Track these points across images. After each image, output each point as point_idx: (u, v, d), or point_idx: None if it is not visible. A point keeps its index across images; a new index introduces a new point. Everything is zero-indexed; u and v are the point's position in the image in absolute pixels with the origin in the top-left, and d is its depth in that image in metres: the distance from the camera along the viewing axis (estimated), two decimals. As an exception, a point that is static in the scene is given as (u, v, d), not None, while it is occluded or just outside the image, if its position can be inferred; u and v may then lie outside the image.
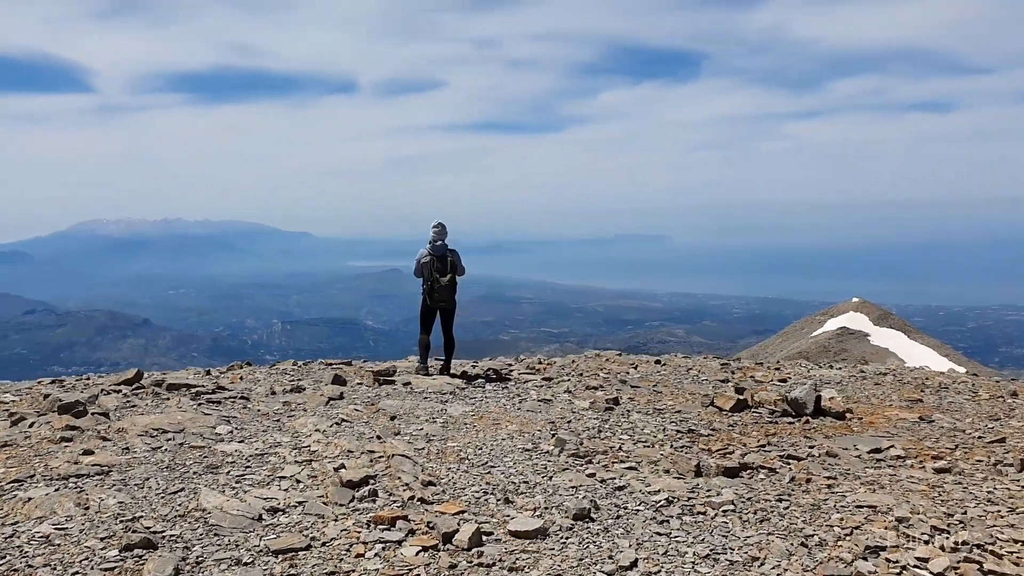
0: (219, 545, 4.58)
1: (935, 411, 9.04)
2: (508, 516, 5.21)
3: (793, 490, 6.08)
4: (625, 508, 5.48)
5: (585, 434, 7.57)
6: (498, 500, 5.54)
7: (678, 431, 7.85)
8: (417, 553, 4.55)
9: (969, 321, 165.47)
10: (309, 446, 6.70)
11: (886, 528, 5.24)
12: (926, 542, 5.04)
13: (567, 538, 4.91)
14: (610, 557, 4.63)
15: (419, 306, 10.88)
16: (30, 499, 5.16)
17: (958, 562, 4.63)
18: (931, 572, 4.56)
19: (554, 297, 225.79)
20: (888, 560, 4.70)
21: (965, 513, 5.56)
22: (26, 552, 4.40)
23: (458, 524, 4.93)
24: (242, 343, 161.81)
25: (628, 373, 11.49)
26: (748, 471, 6.57)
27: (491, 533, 4.93)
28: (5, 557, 4.34)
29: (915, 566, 4.64)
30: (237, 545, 4.59)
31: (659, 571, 4.48)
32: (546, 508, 5.40)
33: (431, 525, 4.93)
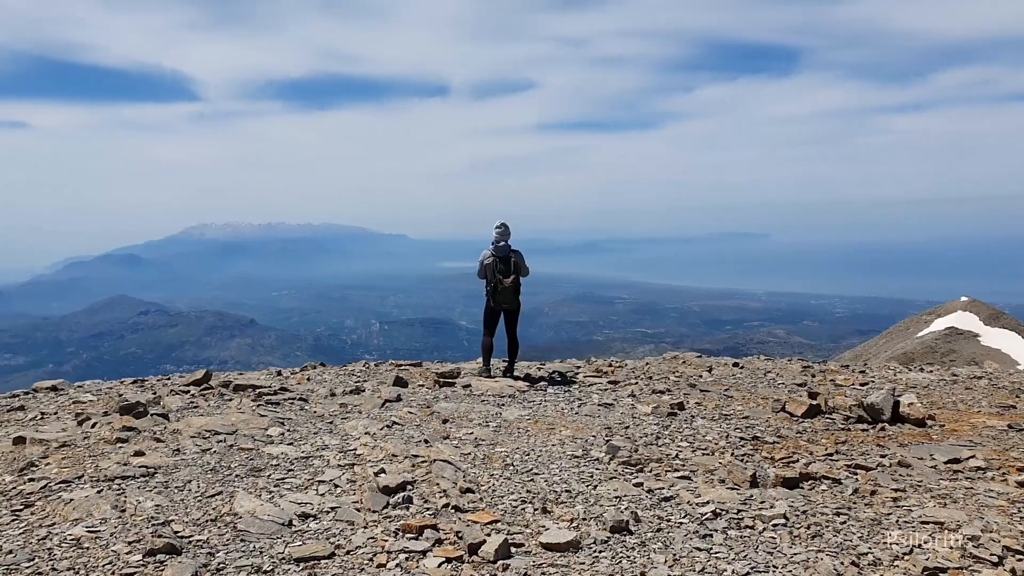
0: (243, 551, 4.55)
1: (1027, 419, 8.45)
2: (543, 527, 5.04)
3: (855, 503, 5.73)
4: (668, 521, 5.23)
5: (642, 441, 7.32)
6: (536, 509, 5.36)
7: (741, 438, 7.52)
8: (440, 565, 4.41)
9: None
10: (355, 449, 6.66)
11: (951, 548, 4.86)
12: (995, 564, 4.65)
13: (600, 552, 4.70)
14: (643, 574, 4.41)
15: (488, 308, 10.78)
16: (71, 500, 5.25)
17: (1026, 588, 4.25)
18: (992, 599, 4.20)
19: (649, 297, 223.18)
20: (946, 584, 4.35)
21: (1044, 533, 5.13)
22: (55, 555, 4.45)
23: (487, 535, 4.78)
24: (342, 343, 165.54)
25: (701, 376, 11.15)
26: (810, 481, 6.23)
27: (522, 545, 4.76)
28: (34, 560, 4.39)
29: (975, 592, 4.28)
30: (261, 552, 4.54)
31: (690, 590, 4.25)
32: (584, 519, 5.20)
33: (460, 535, 4.80)
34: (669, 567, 4.49)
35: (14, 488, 5.67)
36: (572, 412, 8.44)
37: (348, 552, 4.57)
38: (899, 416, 8.46)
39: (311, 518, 5.11)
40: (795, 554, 4.70)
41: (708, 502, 5.57)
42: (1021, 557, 4.74)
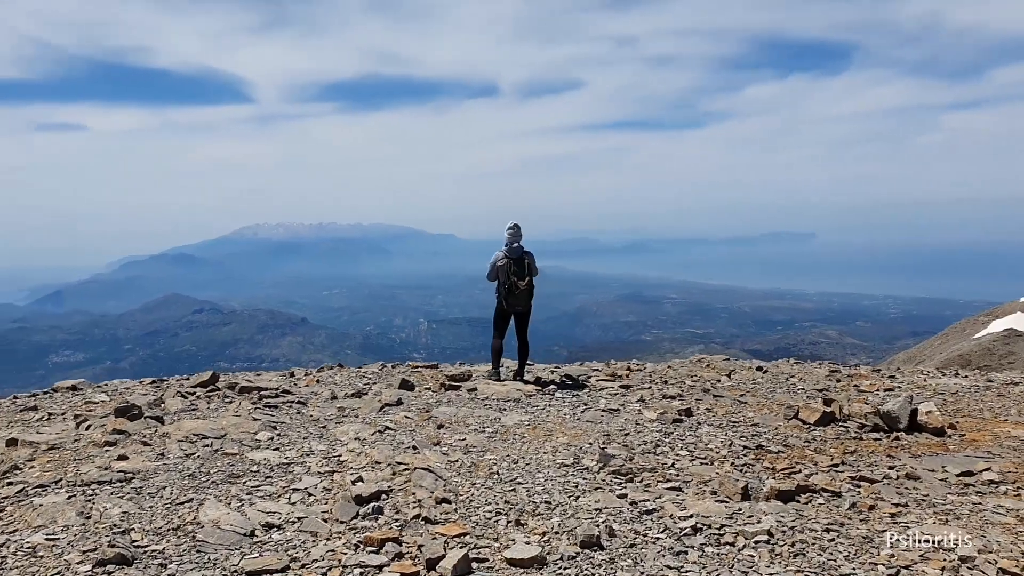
0: (197, 563, 4.44)
1: (1056, 429, 8.04)
2: (512, 540, 4.86)
3: (850, 519, 5.46)
4: (644, 536, 5.02)
5: (639, 449, 7.10)
6: (509, 522, 5.18)
7: (745, 447, 7.26)
8: (393, 580, 4.28)
9: None
10: (340, 456, 6.54)
11: (942, 569, 4.58)
12: (985, 588, 4.38)
13: (565, 568, 4.50)
14: (604, 593, 4.23)
15: (499, 310, 10.60)
16: (40, 506, 5.22)
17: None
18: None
19: (698, 297, 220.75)
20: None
21: (1049, 554, 4.82)
22: (7, 563, 4.39)
23: (448, 548, 4.63)
24: (391, 341, 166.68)
25: (719, 381, 10.86)
26: (807, 494, 5.97)
27: (485, 560, 4.59)
28: (-15, 567, 4.38)
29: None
30: (215, 564, 4.43)
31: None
32: (557, 533, 5.01)
33: (422, 548, 4.66)
34: (633, 586, 4.29)
35: (-9, 493, 5.67)
36: (574, 418, 8.24)
37: (303, 565, 4.44)
38: (916, 425, 8.12)
39: (275, 528, 5.00)
40: (772, 574, 4.47)
41: (692, 516, 5.34)
42: (1015, 580, 4.46)
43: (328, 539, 4.84)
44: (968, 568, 4.59)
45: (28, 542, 4.69)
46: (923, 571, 4.54)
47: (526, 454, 6.77)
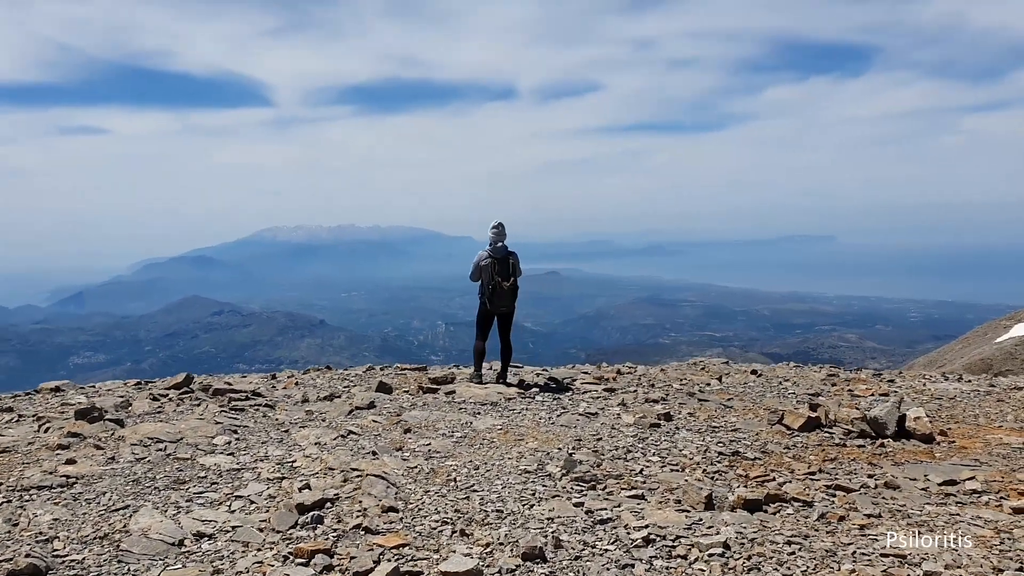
0: (114, 574, 4.25)
1: (1050, 436, 7.73)
2: (453, 551, 4.63)
3: (816, 530, 5.19)
4: (593, 547, 4.77)
5: (609, 455, 6.86)
6: (455, 532, 4.95)
7: (720, 453, 7.00)
8: (316, 595, 4.07)
9: None
10: (295, 461, 6.33)
11: (903, 586, 4.32)
12: (944, 607, 4.11)
13: (502, 583, 4.29)
14: (537, 610, 3.99)
15: (483, 311, 10.37)
16: (-31, 514, 5.07)
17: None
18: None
19: (717, 300, 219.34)
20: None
21: (1021, 569, 4.54)
22: (-83, 573, 4.27)
23: (379, 561, 4.41)
24: (409, 343, 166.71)
25: (709, 385, 10.58)
26: (776, 504, 5.70)
27: (419, 573, 4.35)
28: None
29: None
30: (133, 575, 4.27)
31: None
32: (501, 544, 4.77)
33: (354, 560, 4.43)
34: (569, 603, 4.06)
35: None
36: (548, 422, 8.00)
37: (225, 578, 4.25)
38: (905, 431, 7.83)
39: (206, 538, 4.79)
40: (721, 590, 4.23)
41: (647, 526, 5.09)
42: (982, 598, 4.19)
43: (259, 550, 4.63)
44: (931, 583, 4.32)
45: (-56, 551, 4.52)
46: (883, 588, 4.28)
47: (489, 460, 6.54)
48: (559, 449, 6.94)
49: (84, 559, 4.45)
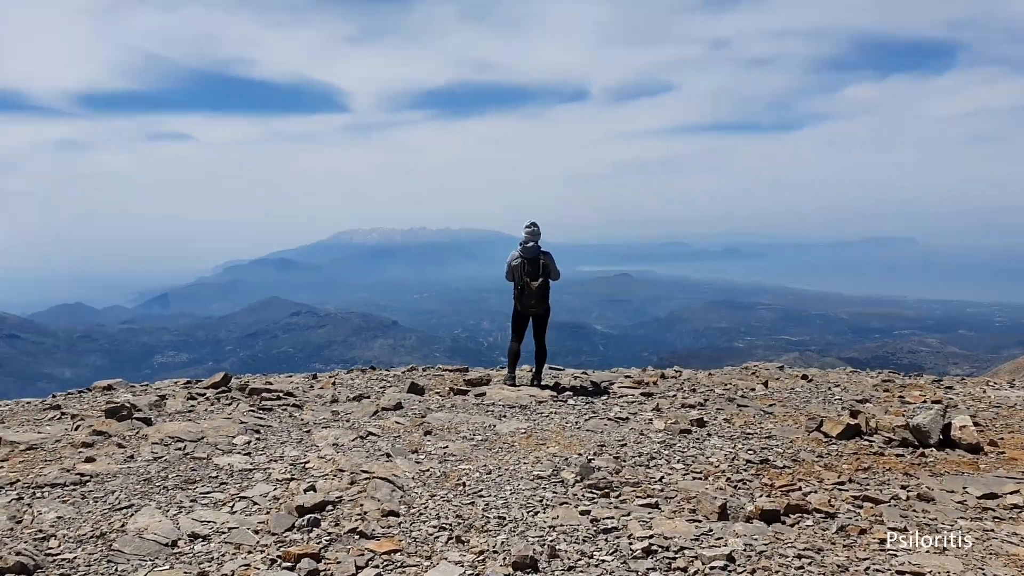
0: (102, 574, 4.25)
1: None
2: (444, 559, 4.53)
3: (833, 544, 4.95)
4: (590, 557, 4.61)
5: (631, 461, 6.68)
6: (450, 538, 4.83)
7: (748, 461, 6.75)
8: (292, 601, 4.02)
9: None
10: (308, 462, 6.31)
11: (913, 608, 4.07)
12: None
13: (486, 592, 4.18)
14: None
15: (515, 312, 10.28)
16: (-26, 510, 5.17)
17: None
18: None
19: (793, 303, 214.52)
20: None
21: (1050, 592, 4.24)
22: (-91, 568, 4.36)
23: (364, 567, 4.33)
24: (479, 344, 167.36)
25: (753, 390, 10.27)
26: (796, 515, 5.46)
27: (404, 580, 4.30)
28: None
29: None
30: (119, 575, 4.29)
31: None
32: (495, 551, 4.64)
33: (339, 566, 4.38)
34: (550, 615, 3.92)
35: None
36: (574, 426, 7.84)
37: (208, 581, 4.24)
38: (950, 440, 7.45)
39: (201, 539, 4.78)
40: (715, 606, 4.04)
41: (652, 536, 4.90)
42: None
43: (250, 552, 4.59)
44: (946, 607, 4.06)
45: (-58, 546, 4.61)
46: (890, 609, 4.04)
47: (505, 464, 6.43)
48: (579, 455, 6.78)
49: (75, 558, 4.49)
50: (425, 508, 5.38)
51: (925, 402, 9.66)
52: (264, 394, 8.92)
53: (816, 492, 5.96)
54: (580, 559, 4.60)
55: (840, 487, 6.13)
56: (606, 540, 4.89)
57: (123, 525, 4.94)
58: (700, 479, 6.30)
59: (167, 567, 4.39)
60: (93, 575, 4.29)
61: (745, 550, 4.74)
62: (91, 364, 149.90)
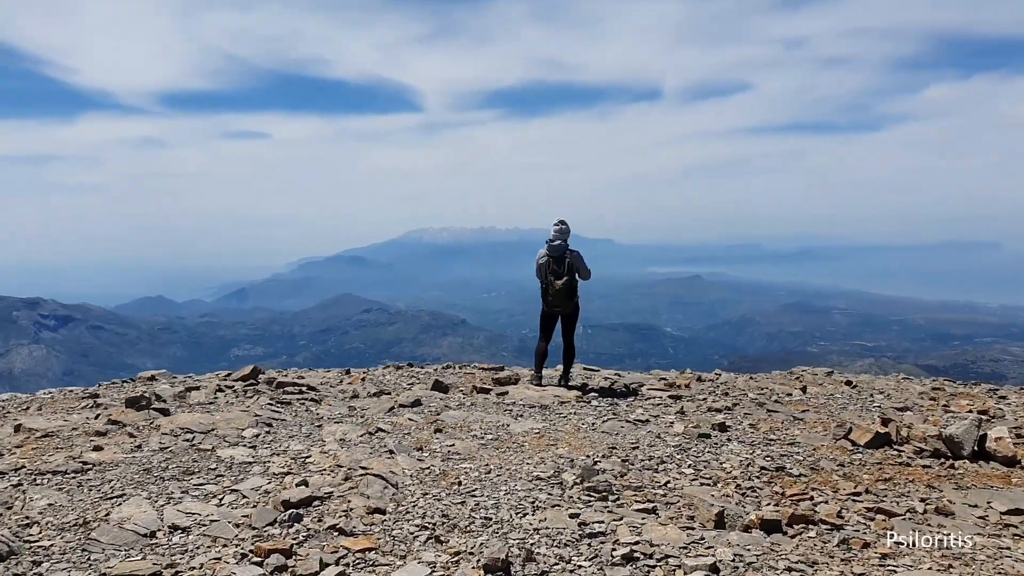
0: (73, 563, 4.25)
1: None
2: (417, 560, 4.45)
3: (831, 557, 4.73)
4: (568, 562, 4.47)
5: (640, 464, 6.50)
6: (429, 538, 4.74)
7: (763, 468, 6.51)
8: (252, 597, 3.98)
9: None
10: (309, 457, 6.29)
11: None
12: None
13: (450, 596, 4.08)
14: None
15: (542, 311, 10.16)
16: (-31, 495, 5.26)
17: None
18: None
19: (870, 308, 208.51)
20: None
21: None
22: None
23: (323, 565, 4.23)
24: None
25: (790, 395, 9.95)
26: (801, 525, 5.24)
27: (370, 579, 4.23)
28: None
29: None
30: (89, 565, 4.23)
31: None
32: (471, 553, 4.54)
33: (305, 561, 4.34)
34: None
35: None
36: (590, 428, 7.68)
37: (176, 573, 4.19)
38: (984, 452, 7.09)
39: (180, 531, 4.77)
40: (683, 617, 3.88)
41: (638, 543, 4.75)
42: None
43: (225, 546, 4.57)
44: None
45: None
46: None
47: (508, 464, 6.32)
48: (587, 456, 6.64)
49: (52, 545, 4.52)
50: (414, 506, 5.31)
51: (971, 412, 9.22)
52: (287, 388, 8.98)
53: (827, 503, 5.72)
54: (556, 563, 4.47)
55: (855, 498, 5.87)
56: (589, 545, 4.75)
57: (108, 514, 4.98)
58: (708, 485, 6.10)
59: (140, 557, 4.40)
60: (66, 563, 4.33)
61: (733, 560, 4.56)
62: (171, 355, 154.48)
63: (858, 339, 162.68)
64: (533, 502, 5.47)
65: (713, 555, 4.62)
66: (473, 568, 4.35)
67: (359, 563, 4.38)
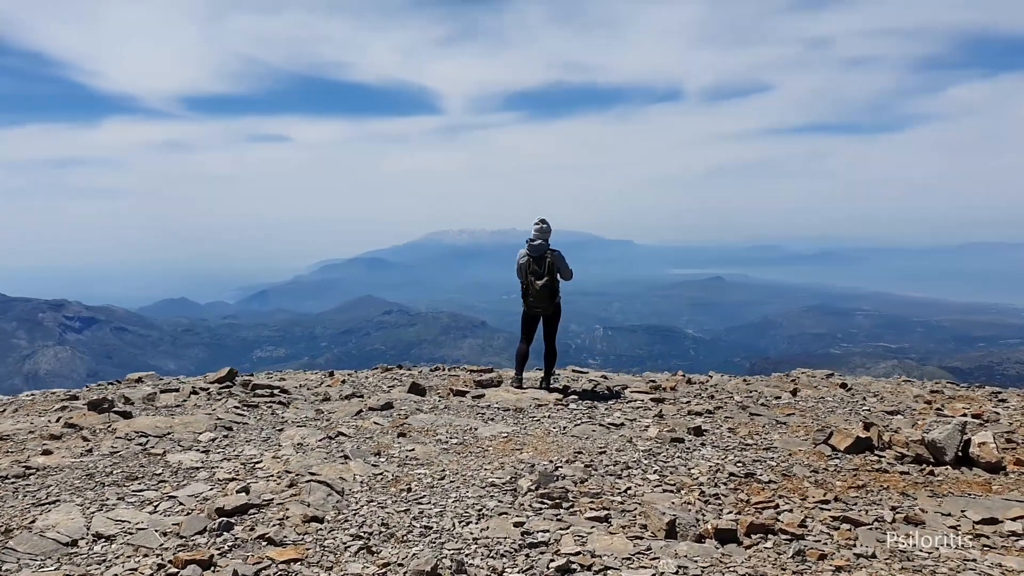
0: (-23, 574, 4.19)
1: None
2: (344, 571, 4.26)
3: (783, 569, 4.50)
4: (500, 574, 4.28)
5: (603, 470, 6.28)
6: (360, 549, 4.53)
7: (732, 475, 6.27)
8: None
9: None
10: (260, 462, 6.11)
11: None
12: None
13: (368, 610, 3.89)
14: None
15: (524, 312, 9.95)
16: None
17: None
18: None
19: (893, 309, 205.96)
20: None
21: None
22: None
23: (240, 577, 4.11)
24: (566, 347, 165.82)
25: (779, 398, 9.68)
26: (758, 535, 5.01)
27: (284, 593, 4.05)
28: None
29: None
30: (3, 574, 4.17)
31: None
32: (400, 564, 4.34)
33: (223, 572, 4.16)
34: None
35: None
36: (560, 431, 7.46)
37: (85, 584, 4.08)
38: (968, 458, 6.81)
39: (104, 539, 4.60)
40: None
41: (579, 553, 4.54)
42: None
43: (146, 555, 4.39)
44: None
45: None
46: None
47: (464, 470, 6.12)
48: (549, 462, 6.42)
49: (-38, 556, 4.40)
50: (355, 515, 5.12)
51: (965, 415, 8.92)
52: (258, 390, 8.84)
53: (792, 511, 5.48)
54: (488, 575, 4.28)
55: (822, 506, 5.63)
56: (527, 556, 4.54)
57: (33, 521, 4.83)
58: (671, 492, 5.88)
59: (54, 567, 4.24)
60: (-24, 573, 4.20)
61: (676, 572, 4.35)
62: (194, 357, 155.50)
63: (881, 341, 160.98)
64: (480, 510, 5.27)
65: (655, 567, 4.41)
66: (396, 581, 4.16)
67: (281, 575, 4.20)
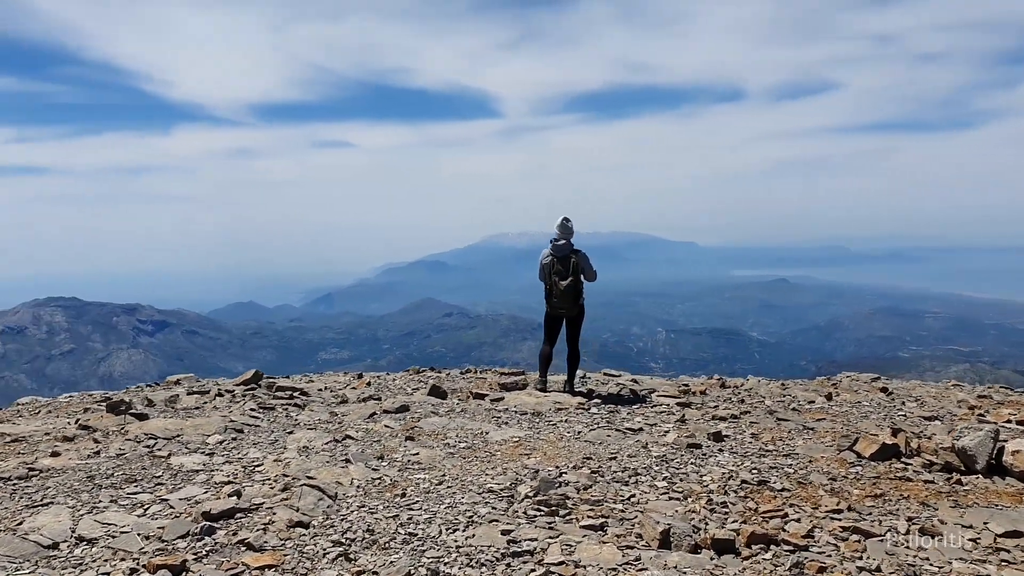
0: (-40, 575, 4.21)
1: None
2: (317, 579, 4.22)
3: (776, 584, 4.30)
4: (477, 586, 4.18)
5: (610, 476, 6.11)
6: (339, 556, 4.45)
7: (744, 482, 6.04)
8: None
9: None
10: (261, 466, 6.09)
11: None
12: None
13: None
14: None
15: (546, 314, 9.82)
16: None
17: None
18: None
19: (965, 311, 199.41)
20: None
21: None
22: None
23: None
24: (627, 350, 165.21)
25: (812, 402, 9.37)
26: (758, 545, 4.80)
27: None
28: None
29: None
30: (-21, 576, 4.19)
31: None
32: (376, 572, 4.24)
33: (197, 579, 4.13)
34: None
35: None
36: (574, 436, 7.30)
37: (58, 588, 4.07)
38: (1000, 466, 6.46)
39: (86, 543, 4.58)
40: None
41: (563, 563, 4.39)
42: None
43: (123, 559, 4.36)
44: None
45: None
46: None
47: (465, 475, 6.00)
48: (555, 467, 6.28)
49: (-59, 560, 4.44)
50: (342, 520, 5.04)
51: (1009, 422, 8.50)
52: (278, 392, 8.87)
53: (800, 520, 5.25)
54: (464, 587, 4.16)
55: (833, 515, 5.38)
56: (508, 565, 4.41)
57: (21, 523, 4.87)
58: (677, 499, 5.69)
59: (29, 571, 4.24)
60: (-48, 575, 4.23)
61: (664, 587, 4.18)
62: (261, 359, 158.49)
63: (952, 343, 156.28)
64: (471, 517, 5.14)
65: (641, 579, 4.24)
66: (371, 590, 4.07)
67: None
